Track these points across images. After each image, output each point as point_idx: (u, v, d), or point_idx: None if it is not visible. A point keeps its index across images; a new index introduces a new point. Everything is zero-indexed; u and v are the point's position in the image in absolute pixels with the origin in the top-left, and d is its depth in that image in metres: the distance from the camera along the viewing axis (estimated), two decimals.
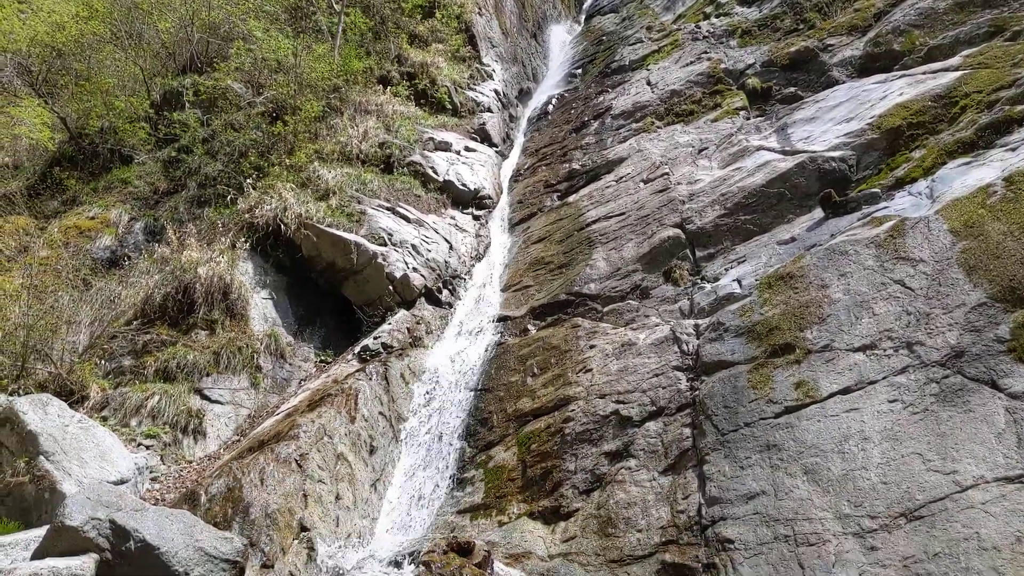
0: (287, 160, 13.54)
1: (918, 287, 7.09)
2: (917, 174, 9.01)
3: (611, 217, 12.50)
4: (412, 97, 16.16)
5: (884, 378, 6.66)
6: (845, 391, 6.77)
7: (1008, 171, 7.52)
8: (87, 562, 5.03)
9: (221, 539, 5.67)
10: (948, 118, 9.76)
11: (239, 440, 9.97)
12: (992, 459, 5.76)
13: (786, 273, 8.23)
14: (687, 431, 7.58)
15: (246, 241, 12.25)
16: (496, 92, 18.15)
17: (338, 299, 12.72)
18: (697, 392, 7.82)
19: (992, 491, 5.59)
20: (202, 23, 15.47)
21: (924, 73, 10.99)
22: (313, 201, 12.91)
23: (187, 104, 15.40)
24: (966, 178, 7.97)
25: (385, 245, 12.50)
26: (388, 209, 13.39)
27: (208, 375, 10.55)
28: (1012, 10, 11.73)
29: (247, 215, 12.63)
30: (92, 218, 13.85)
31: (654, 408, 8.08)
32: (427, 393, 10.66)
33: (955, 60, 10.82)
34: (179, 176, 14.83)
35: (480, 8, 18.97)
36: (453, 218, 14.04)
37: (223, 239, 12.38)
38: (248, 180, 13.06)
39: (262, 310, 11.89)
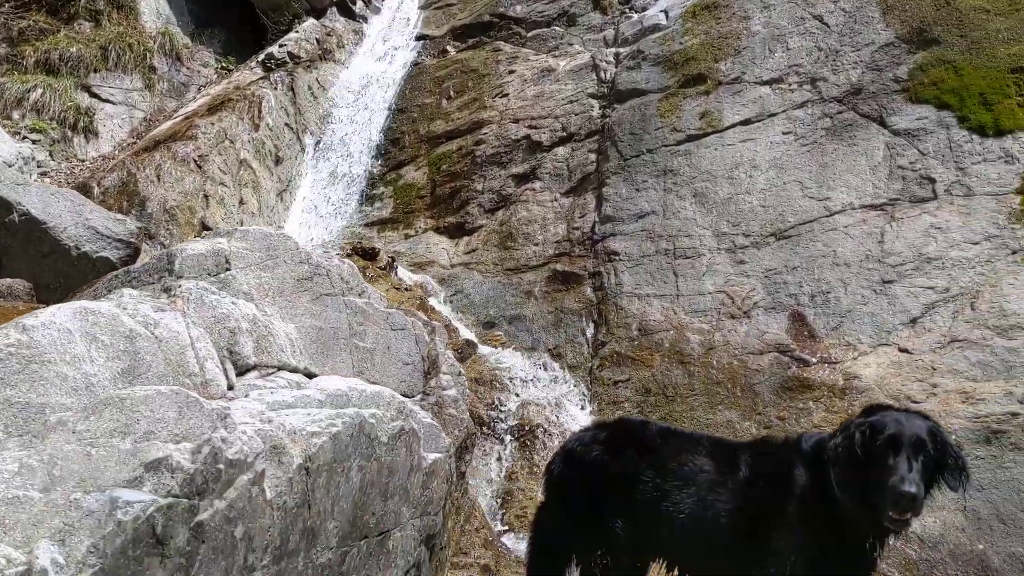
0: None
1: (834, 24, 7.34)
2: None
3: None
4: None
5: (783, 111, 7.11)
6: (746, 122, 7.22)
7: None
8: None
9: (113, 220, 5.90)
10: None
11: (135, 142, 9.89)
12: (863, 188, 6.44)
13: (712, 3, 8.28)
14: (593, 156, 8.02)
15: None
16: None
17: (241, 2, 12.01)
18: (607, 119, 8.15)
19: (856, 216, 6.33)
20: None
21: None
22: None
23: None
24: None
25: None
26: None
27: (96, 71, 10.13)
28: None
29: None
30: None
31: (564, 134, 8.42)
32: (337, 109, 10.64)
33: None
34: None
35: None
36: None
37: None
38: None
39: (154, 5, 11.18)
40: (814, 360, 5.79)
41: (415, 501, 3.29)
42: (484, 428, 5.99)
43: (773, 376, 5.79)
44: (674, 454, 3.09)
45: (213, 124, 8.83)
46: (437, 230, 8.68)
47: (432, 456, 3.47)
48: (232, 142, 8.90)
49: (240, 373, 2.93)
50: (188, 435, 2.07)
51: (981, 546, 4.73)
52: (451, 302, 7.62)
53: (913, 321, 5.76)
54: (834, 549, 2.76)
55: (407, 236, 8.77)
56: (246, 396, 2.73)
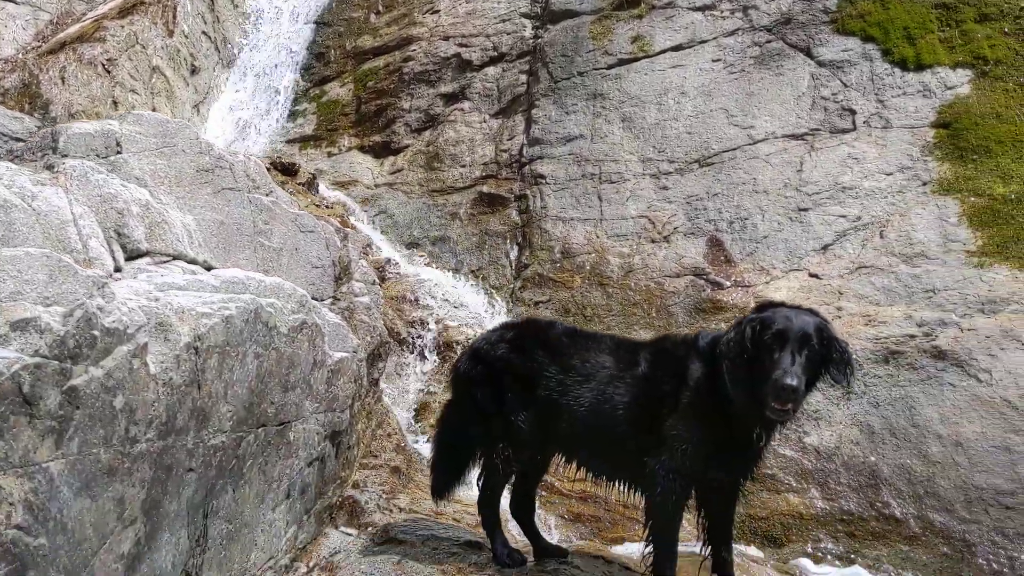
0: None
1: None
2: None
3: None
4: None
5: (714, 38, 7.11)
6: (677, 48, 7.21)
7: None
8: None
9: (10, 117, 5.59)
10: None
11: (39, 46, 9.28)
12: (786, 118, 6.54)
13: None
14: (523, 77, 7.91)
15: None
16: None
17: None
18: (540, 40, 8.03)
19: (778, 145, 6.44)
20: None
21: None
22: None
23: None
24: None
25: None
26: None
27: None
28: None
29: None
30: None
31: (496, 53, 8.26)
32: (260, 19, 10.19)
33: None
34: None
35: None
36: None
37: None
38: None
39: None
40: (728, 283, 5.94)
41: (319, 396, 3.28)
42: (404, 345, 5.99)
43: (688, 298, 5.92)
44: (578, 352, 3.15)
45: (123, 27, 8.34)
46: (362, 149, 8.49)
47: (338, 355, 3.45)
48: (144, 47, 8.43)
49: (131, 258, 2.83)
50: (59, 299, 1.99)
51: (873, 458, 4.99)
52: (374, 222, 7.51)
53: (825, 248, 5.95)
54: (724, 439, 2.88)
55: (330, 154, 8.55)
56: (134, 279, 2.64)
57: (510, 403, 3.18)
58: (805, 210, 6.11)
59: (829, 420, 5.19)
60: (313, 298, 3.75)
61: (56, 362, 1.90)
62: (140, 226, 2.87)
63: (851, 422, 5.13)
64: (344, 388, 3.49)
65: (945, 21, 6.48)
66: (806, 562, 4.71)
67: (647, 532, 3.00)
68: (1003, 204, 5.67)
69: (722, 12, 7.21)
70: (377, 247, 6.84)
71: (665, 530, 2.97)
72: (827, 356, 2.81)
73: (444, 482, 3.44)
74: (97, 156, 2.96)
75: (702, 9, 7.31)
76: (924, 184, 5.94)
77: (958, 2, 6.48)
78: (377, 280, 4.77)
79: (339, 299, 4.11)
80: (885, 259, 5.72)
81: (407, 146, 8.18)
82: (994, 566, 4.45)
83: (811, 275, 5.86)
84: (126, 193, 2.86)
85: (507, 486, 3.49)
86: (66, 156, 2.84)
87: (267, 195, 3.82)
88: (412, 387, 5.66)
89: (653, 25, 7.42)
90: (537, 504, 3.85)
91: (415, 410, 5.36)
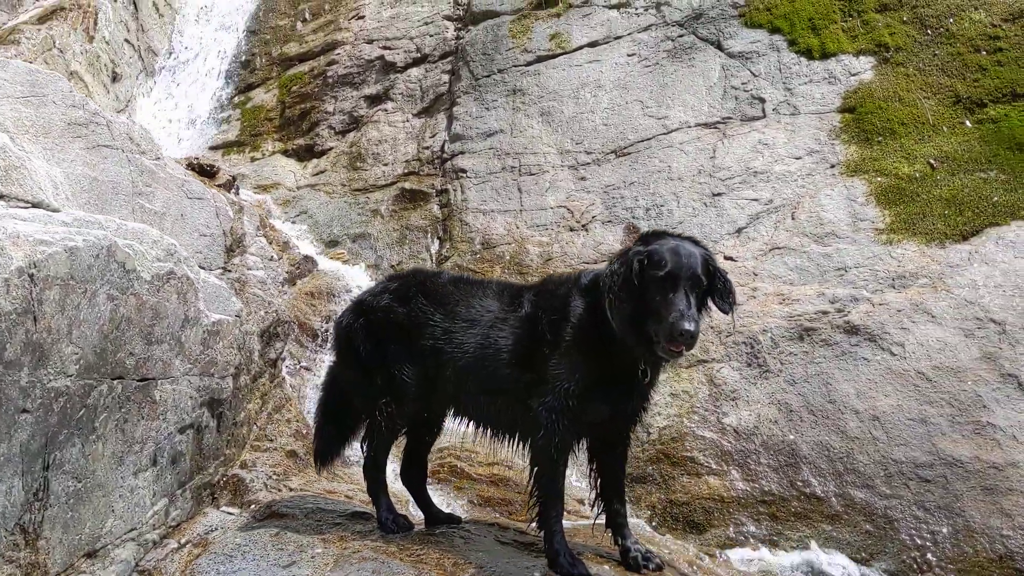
0: None
1: None
2: None
3: None
4: None
5: (629, 34, 7.18)
6: (593, 44, 7.26)
7: None
8: None
9: None
10: None
11: None
12: (699, 108, 6.61)
13: None
14: (446, 77, 7.88)
15: None
16: None
17: None
18: (461, 40, 8.03)
19: (691, 134, 6.49)
20: None
21: None
22: None
23: None
24: None
25: None
26: None
27: None
28: None
29: None
30: None
31: (419, 55, 8.23)
32: (185, 27, 10.06)
33: None
34: None
35: None
36: None
37: None
38: None
39: None
40: None
41: (192, 357, 3.11)
42: (317, 339, 5.85)
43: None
44: (463, 298, 3.04)
45: (40, 31, 8.13)
46: (285, 153, 8.36)
47: (217, 316, 3.31)
48: (62, 52, 8.22)
49: None
50: None
51: (792, 436, 4.94)
52: (294, 222, 7.36)
53: (739, 231, 5.98)
54: (607, 376, 2.79)
55: (253, 159, 8.41)
56: None
57: (393, 354, 3.05)
58: (719, 195, 6.15)
59: (747, 399, 5.14)
60: (200, 267, 3.62)
61: None
62: None
63: (769, 401, 5.08)
64: (224, 353, 3.33)
65: (848, 12, 6.65)
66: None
67: (531, 480, 2.89)
68: (908, 183, 5.78)
69: (636, 9, 7.31)
70: (295, 244, 6.70)
71: (550, 475, 2.83)
72: (712, 287, 2.78)
73: (327, 446, 3.29)
74: None
75: (617, 7, 7.39)
76: (832, 167, 6.03)
77: None
78: (275, 255, 4.63)
79: (229, 270, 3.96)
80: (797, 239, 5.76)
81: (330, 148, 8.07)
82: (917, 541, 4.35)
83: (726, 258, 5.87)
84: None
85: (400, 455, 3.37)
86: None
87: (154, 160, 3.69)
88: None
89: (570, 23, 7.47)
90: (448, 492, 3.74)
91: None
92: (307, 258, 6.53)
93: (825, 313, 5.25)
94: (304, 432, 4.31)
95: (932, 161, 5.82)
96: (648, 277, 2.64)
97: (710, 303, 2.79)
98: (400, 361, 3.04)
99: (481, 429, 3.13)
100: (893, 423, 4.65)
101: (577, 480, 4.66)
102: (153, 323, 2.83)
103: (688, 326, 2.51)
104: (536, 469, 2.85)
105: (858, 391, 4.85)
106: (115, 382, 2.65)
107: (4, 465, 2.21)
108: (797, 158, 6.12)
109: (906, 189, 5.73)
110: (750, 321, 5.40)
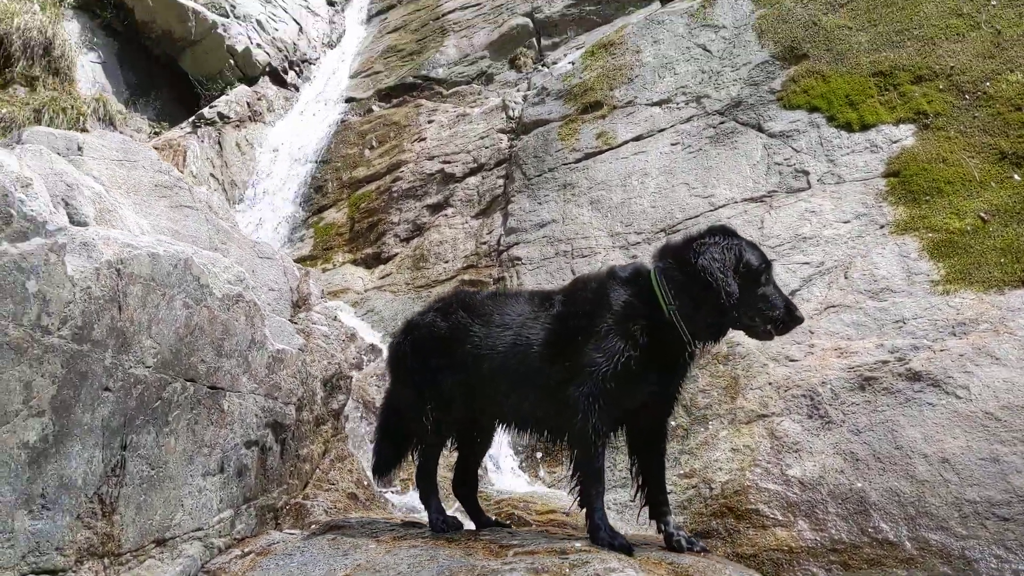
0: None
1: (716, 50, 8.03)
2: None
3: (467, 8, 12.83)
4: None
5: (672, 126, 7.64)
6: (638, 138, 7.73)
7: None
8: None
9: None
10: None
11: None
12: (743, 184, 6.89)
13: (608, 42, 9.00)
14: (501, 181, 8.44)
15: None
16: None
17: (176, 72, 12.62)
18: (514, 148, 8.65)
19: (738, 208, 6.74)
20: None
21: None
22: None
23: None
24: None
25: (227, 16, 12.39)
26: None
27: None
28: None
29: None
30: None
31: (475, 165, 8.87)
32: (265, 164, 11.06)
33: None
34: None
35: None
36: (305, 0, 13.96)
37: None
38: None
39: (91, 73, 11.71)
40: None
41: (258, 377, 3.39)
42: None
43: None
44: (497, 307, 3.27)
45: None
46: (354, 262, 8.93)
47: (282, 345, 3.59)
48: None
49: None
50: None
51: (859, 484, 4.83)
52: (362, 319, 7.77)
53: (792, 293, 6.04)
54: (647, 359, 2.91)
55: (325, 270, 8.99)
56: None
57: (437, 365, 3.26)
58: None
59: (811, 451, 5.07)
60: None
61: None
62: (90, 206, 3.15)
63: (833, 451, 5.01)
64: (288, 381, 3.60)
65: (883, 87, 6.96)
66: None
67: (572, 465, 2.97)
68: (960, 236, 5.82)
69: (677, 104, 7.80)
70: (361, 336, 7.05)
71: (589, 456, 2.92)
72: None
73: (385, 461, 3.45)
74: (56, 152, 3.32)
75: (659, 104, 7.91)
76: (881, 227, 6.14)
77: (893, 69, 6.98)
78: (339, 316, 4.94)
79: (295, 323, 4.29)
80: (852, 297, 5.80)
81: (396, 254, 8.61)
82: None
83: None
84: (80, 177, 3.17)
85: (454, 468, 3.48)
86: (26, 145, 3.20)
87: (228, 223, 4.14)
88: None
89: (615, 122, 8.00)
90: None
91: None
92: (372, 347, 6.85)
93: (885, 362, 5.23)
94: (365, 483, 4.45)
95: (983, 214, 5.88)
96: (747, 268, 2.87)
97: None
98: (443, 370, 3.24)
99: (520, 430, 3.25)
100: (964, 464, 4.54)
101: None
102: (223, 338, 3.13)
103: (801, 314, 2.77)
104: (576, 453, 2.95)
105: (925, 435, 4.78)
106: (188, 383, 2.92)
107: (87, 435, 2.46)
108: (845, 222, 6.26)
109: (958, 242, 5.77)
110: (809, 375, 5.40)
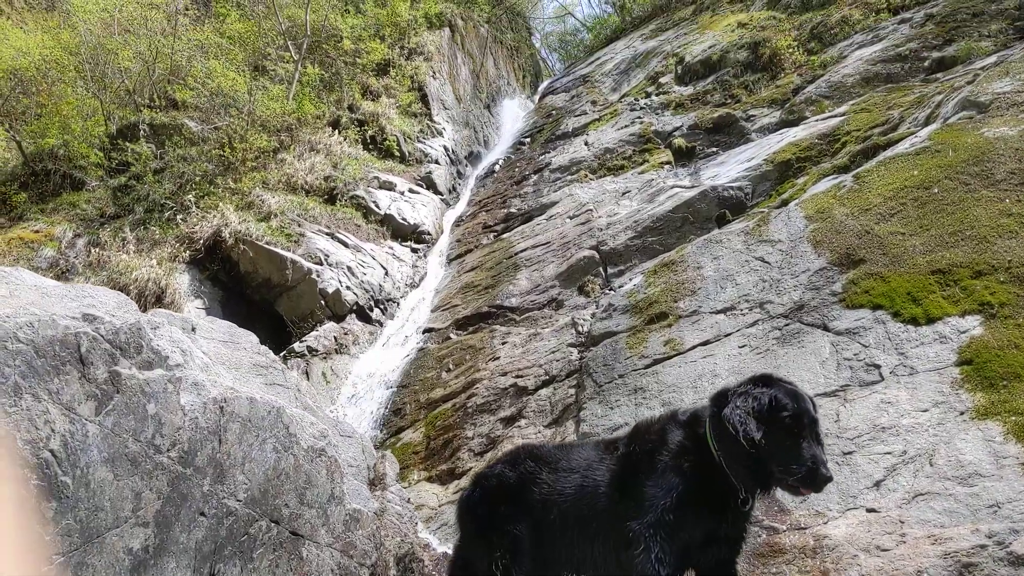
0: (232, 184, 14.92)
1: (774, 261, 8.49)
2: (799, 194, 10.61)
3: (538, 247, 13.94)
4: (361, 142, 17.85)
5: (738, 331, 7.92)
6: (705, 343, 8.01)
7: (858, 171, 9.13)
8: None
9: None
10: (831, 152, 11.51)
11: None
12: (815, 380, 6.97)
13: (669, 261, 9.62)
14: (572, 391, 8.71)
15: (185, 250, 13.42)
16: (445, 148, 19.97)
17: (272, 316, 13.80)
18: (584, 359, 9.00)
19: None
20: (165, 64, 17.22)
21: (817, 120, 12.87)
22: (254, 221, 14.21)
23: (143, 139, 16.87)
24: (828, 182, 9.55)
25: (321, 264, 13.74)
26: (327, 234, 14.72)
27: None
28: (907, 83, 13.82)
29: (187, 230, 13.88)
30: (37, 231, 14.95)
31: (547, 378, 9.21)
32: (348, 390, 11.64)
33: (843, 108, 12.74)
34: (128, 202, 16.10)
35: (435, 73, 21.11)
36: (391, 248, 15.39)
37: (161, 250, 13.55)
38: (190, 196, 14.37)
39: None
40: (784, 527, 5.83)
41: (335, 532, 3.54)
42: None
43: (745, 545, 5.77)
44: (564, 455, 3.42)
45: None
46: (429, 479, 9.06)
47: (358, 505, 3.76)
48: None
49: None
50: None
51: None
52: (433, 534, 7.75)
53: (877, 484, 5.90)
54: (703, 497, 2.97)
55: (402, 488, 9.11)
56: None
57: (505, 514, 3.36)
58: (849, 453, 6.19)
59: None
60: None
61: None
62: (199, 370, 3.58)
63: None
64: (363, 541, 3.72)
65: (944, 283, 7.19)
66: None
67: None
68: None
69: (741, 311, 8.14)
70: (435, 546, 7.02)
71: None
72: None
73: None
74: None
75: (723, 311, 8.27)
76: (961, 414, 6.06)
77: (951, 267, 7.25)
78: (411, 499, 5.04)
79: (371, 499, 4.44)
80: (940, 484, 5.62)
81: (469, 468, 8.73)
82: None
83: (868, 510, 5.74)
84: (192, 346, 3.64)
85: None
86: (157, 328, 3.71)
87: (312, 401, 4.49)
88: None
89: (682, 330, 8.35)
90: None
91: None
92: (445, 555, 6.79)
93: (984, 547, 4.99)
94: None
95: None
96: (777, 420, 2.99)
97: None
98: (512, 518, 3.34)
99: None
100: None
101: None
102: (306, 487, 3.36)
103: (829, 473, 2.83)
104: None
105: None
106: (272, 523, 3.12)
107: (182, 554, 2.67)
108: (924, 411, 6.21)
109: None
110: (904, 563, 5.14)
